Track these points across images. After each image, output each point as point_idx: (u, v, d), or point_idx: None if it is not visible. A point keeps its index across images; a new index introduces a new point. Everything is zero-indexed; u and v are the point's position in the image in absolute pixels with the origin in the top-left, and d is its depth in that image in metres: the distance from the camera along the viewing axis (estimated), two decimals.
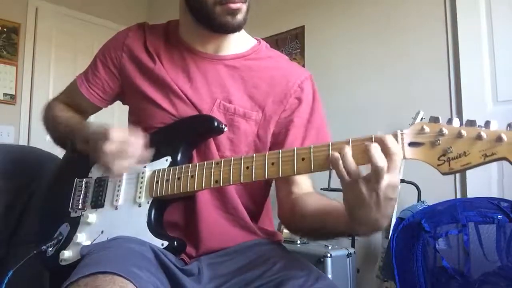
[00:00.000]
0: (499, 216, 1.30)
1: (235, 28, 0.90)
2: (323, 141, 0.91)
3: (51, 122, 1.06)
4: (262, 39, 1.05)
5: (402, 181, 2.09)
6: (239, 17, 0.88)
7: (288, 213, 0.92)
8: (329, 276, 1.86)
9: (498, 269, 1.28)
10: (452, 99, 2.13)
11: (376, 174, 0.63)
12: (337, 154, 0.67)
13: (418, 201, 2.02)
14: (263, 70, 0.97)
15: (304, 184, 0.92)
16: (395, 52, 2.38)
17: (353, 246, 2.23)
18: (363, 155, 0.65)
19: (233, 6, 0.86)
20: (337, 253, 1.97)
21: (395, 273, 1.41)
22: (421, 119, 2.08)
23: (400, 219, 1.55)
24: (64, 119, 1.03)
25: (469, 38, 2.09)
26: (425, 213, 1.44)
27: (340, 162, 0.66)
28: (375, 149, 0.64)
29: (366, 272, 2.28)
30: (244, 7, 0.88)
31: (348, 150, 0.66)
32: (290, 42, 2.92)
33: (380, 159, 0.63)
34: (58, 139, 1.05)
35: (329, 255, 1.92)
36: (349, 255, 2.02)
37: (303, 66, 2.74)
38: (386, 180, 0.63)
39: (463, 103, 2.07)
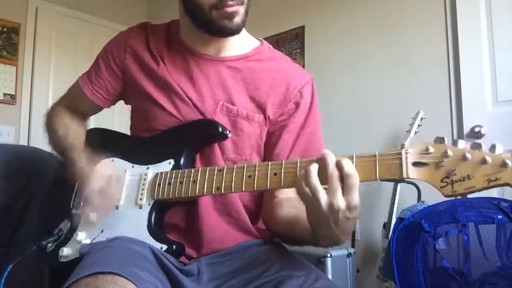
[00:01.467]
0: (499, 216, 1.30)
1: (233, 32, 0.89)
2: (312, 148, 0.93)
3: (50, 132, 1.06)
4: (262, 39, 1.05)
5: (402, 181, 2.09)
6: (237, 20, 0.87)
7: (268, 216, 0.94)
8: (329, 276, 1.87)
9: (498, 269, 1.28)
10: (452, 99, 2.13)
11: (332, 195, 0.66)
12: (303, 172, 0.70)
13: (418, 201, 2.02)
14: (265, 72, 0.96)
15: (287, 189, 0.92)
16: (395, 52, 2.38)
17: (353, 246, 2.23)
18: (326, 175, 0.67)
19: (229, 9, 0.85)
20: (337, 253, 1.97)
21: (395, 273, 1.41)
22: (421, 119, 2.08)
23: (400, 219, 1.55)
24: (61, 134, 1.02)
25: (469, 38, 2.09)
26: (425, 213, 1.44)
27: (302, 181, 0.69)
28: (332, 171, 0.66)
29: (366, 272, 2.28)
30: (241, 9, 0.87)
31: (313, 168, 0.68)
32: (290, 42, 2.92)
33: (335, 181, 0.66)
34: (54, 150, 1.05)
35: (329, 255, 1.92)
36: (349, 255, 2.02)
37: (303, 66, 2.74)
38: (344, 201, 0.65)
39: (463, 103, 2.07)
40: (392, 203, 2.10)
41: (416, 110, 2.10)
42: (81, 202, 0.91)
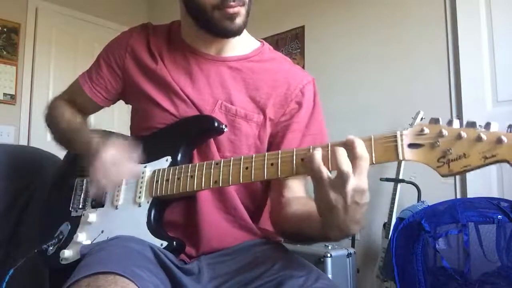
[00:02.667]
0: (499, 216, 1.30)
1: (235, 33, 0.89)
2: None
3: (53, 122, 1.06)
4: (262, 39, 1.05)
5: (402, 181, 2.09)
6: (238, 21, 0.87)
7: (275, 215, 0.93)
8: (329, 276, 1.87)
9: (498, 269, 1.29)
10: (452, 99, 2.14)
11: (341, 178, 0.64)
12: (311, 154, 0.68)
13: (418, 201, 2.02)
14: (265, 73, 0.97)
15: (296, 188, 0.92)
16: (395, 52, 2.38)
17: (353, 246, 2.23)
18: (333, 160, 0.66)
19: (231, 10, 0.85)
20: (337, 253, 1.97)
21: (395, 273, 1.41)
22: (421, 119, 2.08)
23: (400, 219, 1.55)
24: (65, 122, 1.03)
25: (469, 38, 2.09)
26: (425, 213, 1.44)
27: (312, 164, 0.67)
28: (341, 152, 0.65)
29: (366, 272, 2.29)
30: (242, 10, 0.87)
31: (318, 152, 0.67)
32: (290, 42, 2.92)
33: (344, 162, 0.64)
34: (59, 141, 1.05)
35: (329, 255, 1.92)
36: (349, 255, 2.02)
37: (303, 66, 2.75)
38: (353, 184, 0.64)
39: (463, 103, 2.07)
40: (392, 203, 2.10)
41: (416, 110, 2.11)
42: (91, 176, 0.88)
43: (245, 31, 0.95)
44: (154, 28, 1.03)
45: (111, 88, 1.03)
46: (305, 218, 0.80)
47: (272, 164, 0.74)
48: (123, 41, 1.01)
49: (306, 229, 0.80)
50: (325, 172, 0.66)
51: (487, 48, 2.04)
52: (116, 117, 3.17)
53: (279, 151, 0.74)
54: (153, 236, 0.84)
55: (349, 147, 0.65)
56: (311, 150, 0.69)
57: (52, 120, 1.07)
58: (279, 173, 0.73)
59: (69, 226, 0.93)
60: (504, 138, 0.58)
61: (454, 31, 2.16)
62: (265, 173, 0.74)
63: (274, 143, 0.96)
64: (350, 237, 0.73)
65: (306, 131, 0.95)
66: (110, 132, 1.07)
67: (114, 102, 1.08)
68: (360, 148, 0.65)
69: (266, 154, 0.75)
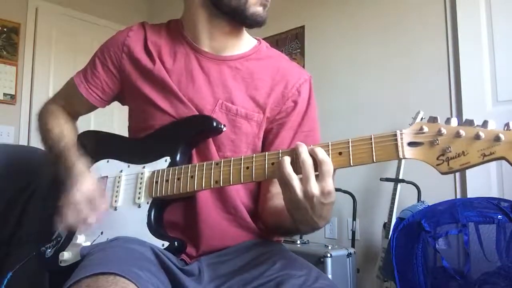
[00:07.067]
0: (499, 216, 1.30)
1: (262, 22, 0.94)
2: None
3: (44, 133, 1.05)
4: (262, 39, 1.05)
5: (402, 181, 2.09)
6: (266, 12, 0.93)
7: (260, 210, 0.96)
8: (329, 276, 1.87)
9: (498, 269, 1.28)
10: (452, 99, 2.14)
11: (306, 182, 0.68)
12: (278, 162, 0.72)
13: (418, 201, 2.02)
14: (263, 71, 0.97)
15: None
16: (395, 52, 2.38)
17: (353, 246, 2.23)
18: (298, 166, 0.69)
19: None
20: (337, 253, 1.97)
21: (395, 273, 1.41)
22: (421, 119, 2.08)
23: (400, 219, 1.55)
24: (57, 133, 1.01)
25: (469, 38, 2.09)
26: (425, 213, 1.44)
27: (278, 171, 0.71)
28: (306, 159, 0.69)
29: (366, 272, 2.29)
30: (268, 4, 0.94)
31: (287, 159, 0.71)
32: (290, 42, 2.92)
33: (309, 169, 0.68)
34: (48, 150, 1.04)
35: (329, 255, 1.92)
36: (349, 255, 2.02)
37: (303, 66, 2.74)
38: (318, 188, 0.68)
39: (463, 103, 2.07)
40: (392, 203, 2.10)
41: (416, 110, 2.10)
42: (64, 204, 0.87)
43: (243, 29, 0.96)
44: (151, 27, 1.02)
45: (107, 88, 1.02)
46: (281, 212, 0.83)
47: (272, 164, 0.74)
48: (119, 41, 1.00)
49: (282, 223, 0.85)
50: (293, 177, 0.69)
51: (487, 48, 2.04)
52: (115, 117, 3.17)
53: (280, 150, 0.75)
54: (154, 237, 0.84)
55: (312, 155, 0.69)
56: (280, 155, 0.73)
57: (43, 128, 1.06)
58: None
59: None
60: (502, 136, 0.59)
61: (454, 31, 2.16)
62: (266, 173, 0.75)
63: (268, 139, 0.97)
64: (319, 230, 0.79)
65: (299, 129, 0.96)
66: (103, 132, 1.07)
67: (109, 103, 1.07)
68: (321, 154, 0.68)
69: (266, 153, 0.76)
